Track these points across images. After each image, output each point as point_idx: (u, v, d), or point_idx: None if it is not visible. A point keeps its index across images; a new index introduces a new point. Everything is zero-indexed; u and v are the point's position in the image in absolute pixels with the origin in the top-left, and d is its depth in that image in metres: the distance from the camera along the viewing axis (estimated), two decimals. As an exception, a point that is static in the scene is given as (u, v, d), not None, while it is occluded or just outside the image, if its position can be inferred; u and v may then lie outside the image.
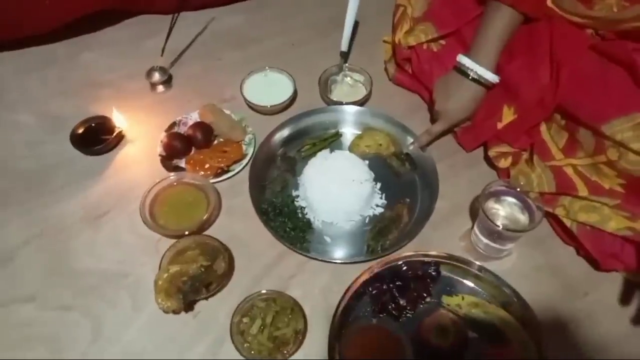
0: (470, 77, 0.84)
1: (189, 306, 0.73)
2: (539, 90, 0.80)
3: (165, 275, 0.71)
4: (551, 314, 0.74)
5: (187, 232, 0.78)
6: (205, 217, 0.79)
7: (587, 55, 0.77)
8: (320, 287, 0.76)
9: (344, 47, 1.00)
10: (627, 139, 0.70)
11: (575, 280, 0.78)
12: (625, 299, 0.76)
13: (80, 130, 0.92)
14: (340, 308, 0.70)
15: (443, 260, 0.77)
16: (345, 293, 0.72)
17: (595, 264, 0.77)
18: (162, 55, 0.99)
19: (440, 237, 0.83)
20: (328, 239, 0.82)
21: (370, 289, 0.74)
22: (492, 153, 0.88)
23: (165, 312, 0.70)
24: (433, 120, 0.94)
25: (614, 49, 0.75)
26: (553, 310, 0.75)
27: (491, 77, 0.84)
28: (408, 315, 0.73)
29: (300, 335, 0.69)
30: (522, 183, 0.80)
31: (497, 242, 0.77)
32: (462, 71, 0.85)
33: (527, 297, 0.72)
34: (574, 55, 0.78)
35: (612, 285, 0.77)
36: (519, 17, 0.81)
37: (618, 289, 0.77)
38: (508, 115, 0.84)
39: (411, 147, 0.92)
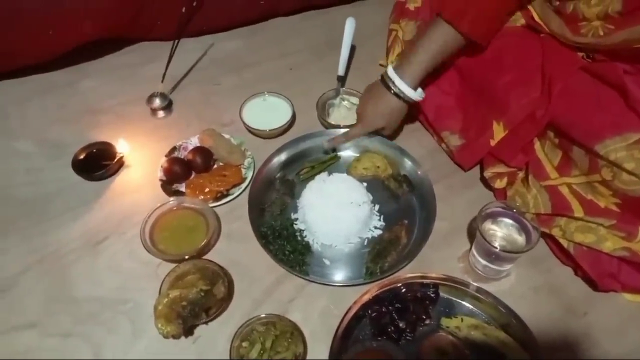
0: (391, 91, 0.86)
1: (188, 331, 0.73)
2: (529, 104, 0.81)
3: (165, 300, 0.71)
4: (550, 334, 0.75)
5: (186, 257, 0.78)
6: (204, 242, 0.80)
7: (579, 74, 0.79)
8: (319, 310, 0.77)
9: (340, 71, 1.02)
10: (621, 158, 0.71)
11: (574, 301, 0.79)
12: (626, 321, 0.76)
13: (82, 156, 0.93)
14: (340, 331, 0.70)
15: (442, 282, 0.77)
16: (344, 316, 0.72)
17: (593, 285, 0.78)
18: (162, 82, 1.01)
19: (439, 258, 0.83)
20: (327, 262, 0.82)
21: (369, 312, 0.74)
22: (487, 174, 0.89)
23: (165, 337, 0.70)
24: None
25: (605, 71, 0.76)
26: (552, 331, 0.75)
27: (411, 94, 0.85)
28: (408, 337, 0.73)
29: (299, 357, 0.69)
30: (518, 204, 0.81)
31: (495, 263, 0.77)
32: (385, 83, 0.87)
33: (526, 318, 0.72)
34: (565, 73, 0.79)
35: (611, 306, 0.78)
36: (458, 39, 0.82)
37: (617, 309, 0.77)
38: (499, 132, 0.85)
39: (326, 145, 0.94)
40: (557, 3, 0.84)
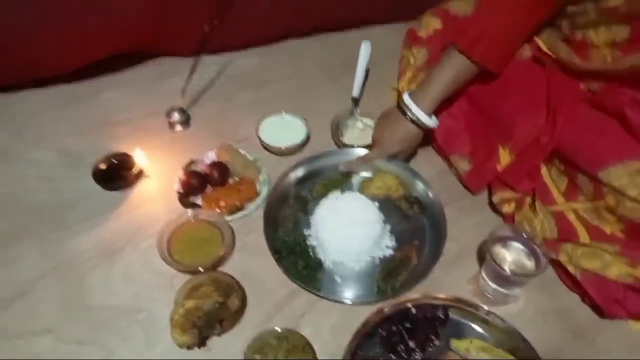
0: (407, 117, 0.89)
1: (202, 342, 0.74)
2: (534, 130, 0.84)
3: (181, 310, 0.73)
4: (556, 354, 0.76)
5: (202, 269, 0.79)
6: (220, 254, 0.81)
7: (582, 105, 0.82)
8: (330, 327, 0.78)
9: (355, 93, 1.05)
10: (624, 185, 0.74)
11: (581, 326, 0.80)
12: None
13: (103, 166, 0.95)
14: (350, 349, 0.72)
15: (451, 304, 0.79)
16: (355, 334, 0.74)
17: (600, 311, 0.79)
18: (182, 97, 1.04)
19: (449, 279, 0.85)
20: (338, 279, 0.84)
21: (379, 330, 0.76)
22: (495, 199, 0.91)
23: (180, 347, 0.71)
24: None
25: (606, 102, 0.79)
26: (560, 356, 0.76)
27: (427, 120, 0.88)
28: (417, 358, 0.74)
29: (310, 373, 0.71)
30: (526, 229, 0.83)
31: (505, 287, 0.79)
32: (402, 109, 0.89)
33: (534, 342, 0.73)
34: (569, 103, 0.82)
35: (619, 333, 0.79)
36: (471, 67, 0.85)
37: (625, 337, 0.78)
38: (505, 156, 0.88)
39: (342, 168, 0.97)
40: (567, 32, 0.88)
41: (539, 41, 0.92)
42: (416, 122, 0.89)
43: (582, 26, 0.85)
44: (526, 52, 0.93)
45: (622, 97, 0.81)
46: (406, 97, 0.89)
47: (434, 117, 0.90)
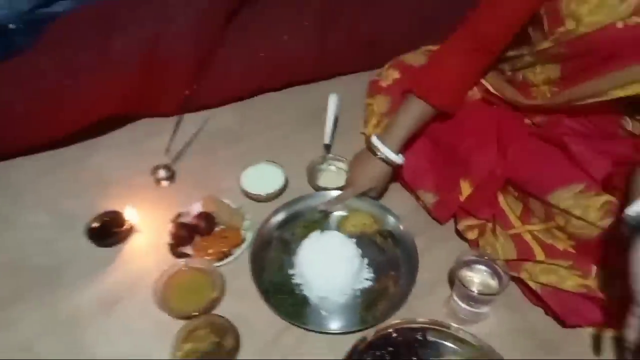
0: (377, 156, 0.99)
1: (200, 382, 0.80)
2: (489, 164, 0.94)
3: (180, 353, 0.78)
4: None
5: (196, 313, 0.86)
6: (213, 297, 0.88)
7: (528, 138, 0.93)
8: (320, 356, 0.84)
9: (326, 140, 1.14)
10: (570, 206, 0.83)
11: (547, 338, 0.88)
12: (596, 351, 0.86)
13: (96, 225, 1.01)
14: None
15: (428, 326, 0.86)
16: (343, 363, 0.80)
17: (561, 322, 0.87)
18: (166, 154, 1.12)
19: (425, 304, 0.92)
20: (324, 312, 0.91)
21: (365, 357, 0.82)
22: (460, 227, 1.00)
23: (181, 388, 0.77)
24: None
25: (548, 134, 0.91)
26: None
27: (395, 158, 0.98)
28: (401, 380, 0.81)
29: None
30: (489, 252, 0.92)
31: (474, 306, 0.86)
32: (372, 150, 0.99)
33: (505, 357, 0.81)
34: (516, 137, 0.94)
35: (580, 340, 0.87)
36: (429, 110, 0.96)
37: (585, 343, 0.86)
38: (466, 188, 0.98)
39: (321, 207, 1.05)
40: (509, 74, 1.00)
41: (487, 84, 1.04)
42: (385, 160, 0.98)
43: (521, 68, 0.98)
44: (476, 94, 1.05)
45: (562, 128, 0.94)
46: (374, 139, 0.99)
47: (400, 155, 1.00)
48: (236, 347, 0.83)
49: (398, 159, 0.99)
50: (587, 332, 0.88)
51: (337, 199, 1.05)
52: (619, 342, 0.81)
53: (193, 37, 1.17)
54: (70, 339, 0.86)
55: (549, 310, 0.89)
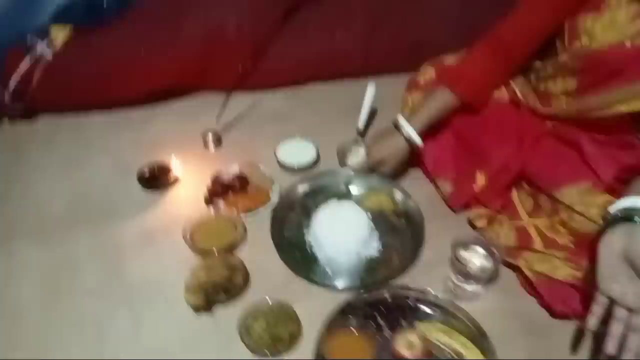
0: (400, 132, 1.06)
1: (209, 307, 0.91)
2: (505, 157, 0.99)
3: (194, 279, 0.90)
4: (510, 347, 0.86)
5: (215, 251, 0.97)
6: (232, 240, 0.99)
7: (545, 137, 0.98)
8: (318, 307, 0.92)
9: (360, 125, 1.24)
10: (574, 202, 0.88)
11: (536, 324, 0.91)
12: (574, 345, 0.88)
13: (146, 171, 1.16)
14: (330, 320, 0.86)
15: (421, 296, 0.93)
16: (336, 309, 0.89)
17: (550, 311, 0.91)
18: (217, 122, 1.26)
19: (423, 279, 0.98)
20: (329, 272, 0.99)
21: (357, 310, 0.90)
22: (471, 215, 1.06)
23: (190, 305, 0.88)
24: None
25: (566, 134, 0.95)
26: (512, 345, 0.87)
27: (415, 137, 1.05)
28: (385, 335, 0.88)
29: (294, 339, 0.85)
30: (493, 237, 0.97)
31: (468, 283, 0.92)
32: (397, 127, 1.07)
33: (491, 334, 0.86)
34: (535, 135, 0.98)
35: (568, 331, 0.89)
36: (454, 99, 1.04)
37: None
38: (481, 179, 1.03)
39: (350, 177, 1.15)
40: (534, 82, 1.06)
41: (516, 88, 1.10)
42: (406, 137, 1.05)
43: (544, 78, 1.03)
44: (504, 96, 1.11)
45: (579, 131, 0.98)
46: (401, 118, 1.07)
47: (420, 138, 1.07)
48: (244, 284, 0.94)
49: (417, 139, 1.06)
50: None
51: (357, 166, 1.14)
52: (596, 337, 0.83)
53: (252, 25, 1.32)
54: (111, 262, 1.01)
55: (541, 300, 0.92)
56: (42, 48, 1.22)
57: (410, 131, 1.05)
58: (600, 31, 0.86)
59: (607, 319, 0.73)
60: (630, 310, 0.71)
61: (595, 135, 0.95)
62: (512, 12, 0.99)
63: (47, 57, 1.22)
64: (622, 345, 0.71)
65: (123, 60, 1.27)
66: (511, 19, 0.99)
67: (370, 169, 1.13)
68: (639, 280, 0.71)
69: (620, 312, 0.72)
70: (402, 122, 1.06)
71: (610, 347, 0.71)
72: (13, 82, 1.22)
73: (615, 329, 0.72)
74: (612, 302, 0.73)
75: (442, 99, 1.04)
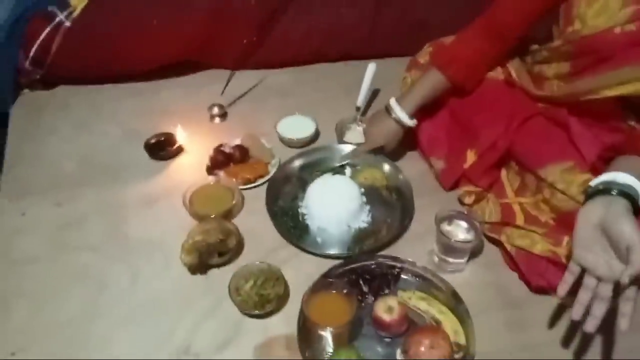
0: (392, 116, 1.09)
1: (203, 270, 0.97)
2: (494, 136, 1.02)
3: (190, 240, 0.95)
4: (487, 317, 0.90)
5: (212, 216, 1.02)
6: (229, 207, 1.04)
7: (535, 117, 1.00)
8: (306, 272, 0.96)
9: (359, 102, 1.27)
10: (556, 180, 0.91)
11: (514, 297, 0.94)
12: (554, 319, 0.91)
13: (152, 140, 1.22)
14: (315, 283, 0.91)
15: (405, 266, 0.97)
16: (322, 274, 0.93)
17: (528, 285, 0.94)
18: (222, 95, 1.32)
19: (409, 250, 1.02)
20: (319, 240, 1.04)
21: (342, 276, 0.94)
22: (459, 192, 1.09)
23: (185, 265, 0.94)
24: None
25: (555, 114, 0.98)
26: (489, 315, 0.91)
27: (406, 120, 1.09)
28: (368, 301, 0.92)
29: (281, 299, 0.90)
30: (479, 213, 1.00)
31: (450, 255, 0.96)
32: (388, 110, 1.10)
33: (470, 305, 0.89)
34: (524, 115, 1.01)
35: (544, 305, 0.92)
36: (445, 82, 1.07)
37: (550, 308, 0.92)
38: (471, 157, 1.06)
39: (342, 158, 1.18)
40: (530, 65, 1.08)
41: (512, 69, 1.12)
42: (398, 121, 1.09)
43: (540, 61, 1.05)
44: (500, 75, 1.13)
45: (568, 113, 1.00)
46: (392, 101, 1.10)
47: (414, 119, 1.10)
48: (238, 248, 0.99)
49: (410, 121, 1.09)
50: (553, 300, 0.93)
51: (353, 152, 1.18)
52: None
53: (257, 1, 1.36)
54: (115, 220, 1.07)
55: (519, 273, 0.95)
56: (62, 17, 1.27)
57: (400, 114, 1.08)
58: (592, 17, 0.88)
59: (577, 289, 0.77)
60: (599, 279, 0.74)
61: (584, 118, 0.97)
62: None
63: (66, 25, 1.27)
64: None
65: (135, 28, 1.32)
66: (505, 1, 1.00)
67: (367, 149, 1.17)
68: (612, 251, 0.73)
69: (589, 281, 0.75)
70: (393, 104, 1.10)
71: (576, 313, 0.74)
72: (34, 49, 1.28)
73: (583, 296, 0.75)
74: (583, 271, 0.76)
75: (434, 81, 1.08)
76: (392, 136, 1.13)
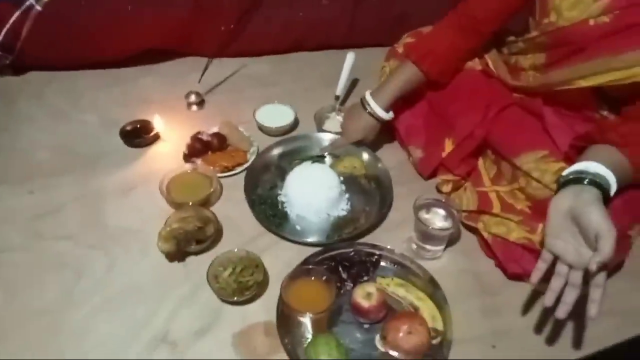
0: (367, 111, 1.10)
1: (181, 257, 0.96)
2: (471, 125, 1.04)
3: (168, 228, 0.94)
4: (464, 303, 0.92)
5: (190, 203, 1.02)
6: (207, 195, 1.04)
7: (511, 107, 1.02)
8: (285, 260, 0.97)
9: (338, 92, 1.28)
10: (530, 169, 0.92)
11: (491, 284, 0.96)
12: (529, 305, 0.93)
13: (128, 128, 1.20)
14: (294, 270, 0.91)
15: (384, 253, 0.98)
16: (301, 262, 0.93)
17: (504, 272, 0.96)
18: (199, 82, 1.30)
19: (388, 238, 1.03)
20: (299, 228, 1.04)
21: (321, 264, 0.95)
22: (437, 180, 1.10)
23: (163, 252, 0.93)
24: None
25: (530, 104, 0.99)
26: (466, 302, 0.92)
27: (382, 113, 1.09)
28: (347, 288, 0.93)
29: (260, 286, 0.90)
30: (456, 201, 1.01)
31: (428, 242, 0.97)
32: (363, 104, 1.11)
33: (447, 291, 0.91)
34: (501, 104, 1.02)
35: (520, 291, 0.94)
36: (420, 75, 1.07)
37: (524, 294, 0.94)
38: (449, 146, 1.07)
39: (319, 151, 1.18)
40: (506, 56, 1.10)
41: (489, 60, 1.13)
42: (373, 115, 1.10)
43: (516, 52, 1.07)
44: (477, 66, 1.14)
45: (543, 104, 1.02)
46: (367, 95, 1.11)
47: (390, 112, 1.11)
48: (216, 237, 0.99)
49: (385, 115, 1.10)
50: (527, 286, 0.95)
51: (332, 145, 1.18)
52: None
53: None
54: (92, 209, 1.06)
55: (496, 261, 0.97)
56: (32, 1, 1.24)
57: (376, 109, 1.09)
58: (567, 8, 0.89)
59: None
60: (570, 266, 0.76)
61: (558, 108, 0.99)
62: None
63: (37, 9, 1.24)
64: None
65: (110, 13, 1.30)
66: None
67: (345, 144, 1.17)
68: (581, 238, 0.75)
69: (561, 268, 0.77)
70: (368, 98, 1.10)
71: (548, 300, 0.76)
72: (2, 34, 1.25)
73: (555, 283, 0.76)
74: (555, 259, 0.78)
75: (409, 74, 1.08)
76: (369, 130, 1.13)
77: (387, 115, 1.11)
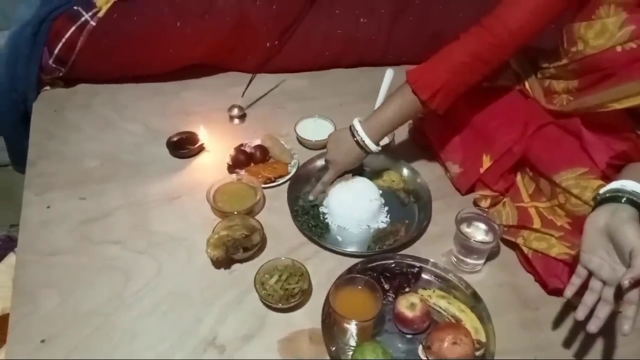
0: (355, 139, 1.05)
1: (228, 264, 0.99)
2: (510, 141, 1.06)
3: (216, 235, 0.98)
4: (504, 316, 0.93)
5: (236, 212, 1.05)
6: (252, 203, 1.07)
7: (549, 125, 1.04)
8: (327, 269, 0.99)
9: (377, 106, 1.30)
10: (570, 186, 0.94)
11: (530, 298, 0.97)
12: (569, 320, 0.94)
13: (174, 139, 1.25)
14: (339, 279, 0.93)
15: (425, 266, 0.99)
16: (345, 271, 0.95)
17: (544, 287, 0.97)
18: (242, 97, 1.35)
19: (427, 251, 1.04)
20: (340, 238, 1.06)
21: (364, 274, 0.97)
22: (476, 195, 1.12)
23: (212, 259, 0.96)
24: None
25: (568, 124, 1.02)
26: (506, 315, 0.93)
27: (373, 147, 1.05)
28: (389, 298, 0.95)
29: (305, 294, 0.93)
30: (496, 216, 1.03)
31: (469, 256, 0.99)
32: (352, 134, 1.06)
33: (488, 303, 0.92)
34: (539, 123, 1.04)
35: (559, 306, 0.95)
36: (417, 105, 1.01)
37: (564, 310, 0.95)
38: (487, 162, 1.09)
39: (311, 197, 1.12)
40: (540, 79, 1.12)
41: (526, 81, 1.15)
42: (361, 145, 1.06)
43: (548, 77, 1.09)
44: (515, 86, 1.16)
45: (580, 123, 1.03)
46: (357, 125, 1.05)
47: (379, 145, 1.07)
48: (261, 245, 1.02)
49: (376, 148, 1.06)
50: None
51: (322, 184, 1.13)
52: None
53: (281, 4, 1.40)
54: (139, 215, 1.09)
55: (536, 275, 0.98)
56: (87, 17, 1.30)
57: (364, 137, 1.04)
58: (593, 38, 0.92)
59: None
60: (604, 283, 0.77)
61: (595, 127, 1.00)
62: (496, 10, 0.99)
63: (91, 24, 1.30)
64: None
65: (159, 30, 1.35)
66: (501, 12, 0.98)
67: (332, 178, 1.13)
68: (616, 255, 0.77)
69: (595, 284, 0.78)
70: (357, 126, 1.05)
71: (580, 314, 0.78)
72: (58, 48, 1.31)
73: (588, 298, 0.78)
74: (590, 275, 0.79)
75: (402, 101, 1.03)
76: (356, 161, 1.10)
77: (376, 148, 1.06)
